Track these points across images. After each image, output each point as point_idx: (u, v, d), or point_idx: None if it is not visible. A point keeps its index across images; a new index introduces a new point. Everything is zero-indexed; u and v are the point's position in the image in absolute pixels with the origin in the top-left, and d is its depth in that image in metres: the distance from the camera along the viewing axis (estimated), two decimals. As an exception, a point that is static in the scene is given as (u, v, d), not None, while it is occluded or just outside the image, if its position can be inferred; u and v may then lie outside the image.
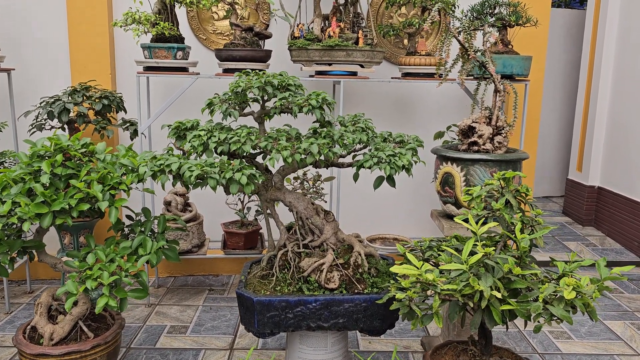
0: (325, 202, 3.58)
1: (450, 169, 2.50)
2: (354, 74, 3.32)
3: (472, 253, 1.92)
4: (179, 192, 3.40)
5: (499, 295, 1.73)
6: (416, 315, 1.93)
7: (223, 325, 3.13)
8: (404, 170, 2.15)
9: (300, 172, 3.49)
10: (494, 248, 1.82)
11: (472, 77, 3.27)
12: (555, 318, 1.72)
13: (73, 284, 2.10)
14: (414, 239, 3.80)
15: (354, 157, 2.44)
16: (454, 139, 3.63)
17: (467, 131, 2.57)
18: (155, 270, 3.71)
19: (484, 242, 1.93)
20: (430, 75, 3.33)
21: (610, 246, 4.45)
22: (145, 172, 2.11)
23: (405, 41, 3.84)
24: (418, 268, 1.86)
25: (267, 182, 2.40)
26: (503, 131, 2.52)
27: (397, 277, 2.09)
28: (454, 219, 2.02)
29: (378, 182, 2.19)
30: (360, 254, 2.36)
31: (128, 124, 3.31)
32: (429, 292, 1.95)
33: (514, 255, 1.90)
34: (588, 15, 5.02)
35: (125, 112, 3.35)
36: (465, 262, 1.84)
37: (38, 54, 3.58)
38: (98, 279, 2.09)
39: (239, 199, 3.44)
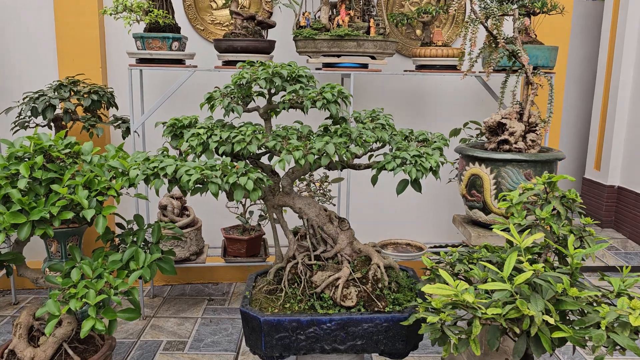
0: (334, 205, 3.32)
1: (478, 170, 2.24)
2: (365, 66, 3.06)
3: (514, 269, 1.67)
4: (175, 195, 3.14)
5: (551, 321, 1.48)
6: (449, 340, 1.67)
7: (224, 340, 2.87)
8: (430, 172, 1.90)
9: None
10: (543, 265, 1.56)
11: (491, 69, 3.00)
12: (618, 347, 1.47)
13: (55, 304, 1.84)
14: (428, 244, 3.55)
15: (370, 157, 2.18)
16: (472, 136, 3.37)
17: (496, 128, 2.31)
18: (150, 279, 3.45)
19: (529, 256, 1.67)
20: (447, 68, 3.07)
21: (633, 249, 4.20)
22: (137, 175, 1.84)
23: (418, 31, 3.58)
24: (453, 287, 1.60)
25: (274, 186, 2.14)
26: (537, 128, 2.26)
27: (425, 296, 1.84)
28: (493, 229, 1.76)
29: (402, 186, 1.93)
30: (379, 267, 2.10)
31: (120, 122, 3.04)
32: (459, 312, 1.70)
33: (564, 272, 1.65)
34: (607, 6, 4.76)
35: (117, 108, 3.08)
36: (507, 280, 1.59)
37: (22, 46, 3.31)
38: (83, 299, 1.82)
39: (241, 202, 3.18)
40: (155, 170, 1.83)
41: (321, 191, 3.19)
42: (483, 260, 1.95)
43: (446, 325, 1.67)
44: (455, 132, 3.25)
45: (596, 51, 5.27)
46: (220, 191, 1.75)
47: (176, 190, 3.14)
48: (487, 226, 2.31)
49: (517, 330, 1.57)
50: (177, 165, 1.80)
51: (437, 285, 1.60)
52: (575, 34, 5.55)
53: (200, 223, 3.20)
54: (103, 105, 2.97)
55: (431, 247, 3.53)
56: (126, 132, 3.03)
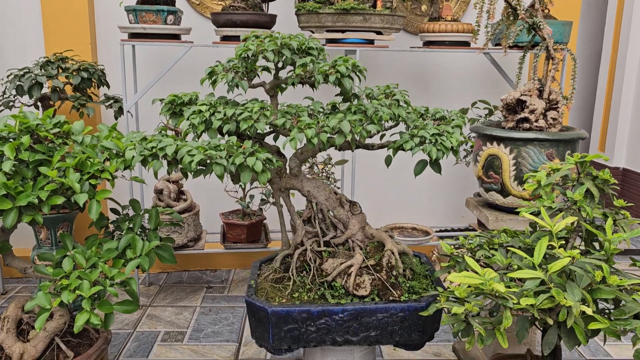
0: (338, 188, 3.19)
1: (496, 150, 2.11)
2: (371, 42, 2.90)
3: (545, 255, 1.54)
4: (172, 178, 2.98)
5: (589, 312, 1.36)
6: (473, 331, 1.56)
7: (225, 330, 2.74)
8: (451, 152, 1.76)
9: (309, 155, 3.10)
10: (579, 251, 1.44)
11: (509, 44, 2.86)
12: (661, 340, 1.35)
13: (45, 297, 1.69)
14: (434, 228, 3.43)
15: (382, 137, 2.04)
16: (480, 116, 3.24)
17: (515, 106, 2.17)
18: (145, 266, 3.31)
19: (561, 242, 1.55)
20: (457, 44, 2.92)
21: (640, 232, 4.11)
22: (134, 157, 1.69)
23: (424, 7, 3.42)
24: (481, 276, 1.48)
25: (281, 168, 1.99)
26: (558, 106, 2.13)
27: (444, 284, 1.72)
28: (520, 212, 1.64)
29: (420, 167, 1.80)
30: (393, 253, 1.98)
31: (112, 101, 2.88)
32: (482, 301, 1.58)
33: (599, 258, 1.53)
34: (613, -18, 4.62)
35: (108, 87, 2.90)
36: (539, 267, 1.47)
37: (5, 19, 3.11)
38: (77, 291, 1.68)
39: (240, 185, 3.03)
40: (154, 150, 1.68)
41: (325, 174, 3.05)
42: (508, 246, 1.83)
43: (471, 315, 1.56)
44: (463, 112, 3.12)
45: (601, 28, 5.13)
46: (225, 174, 1.61)
47: (172, 174, 2.99)
48: (505, 209, 2.19)
49: (550, 321, 1.46)
50: (177, 145, 1.65)
51: (464, 273, 1.48)
52: (581, 10, 5.40)
53: (198, 208, 3.06)
54: (93, 84, 2.80)
55: (437, 232, 3.42)
56: (119, 112, 2.87)
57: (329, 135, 1.67)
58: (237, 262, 3.53)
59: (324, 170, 3.08)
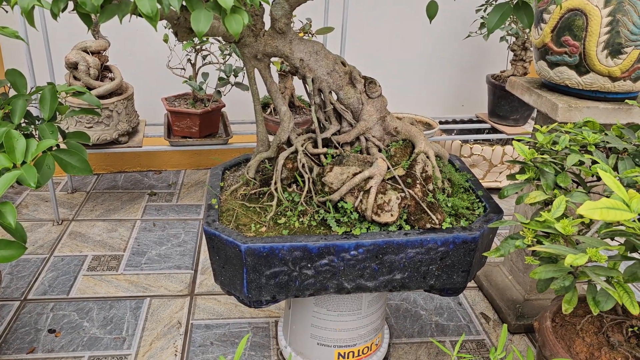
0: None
1: (582, 2, 1.40)
2: None
3: None
4: (91, 47, 2.13)
5: None
6: (574, 286, 0.95)
7: (175, 252, 2.09)
8: None
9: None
10: None
11: None
12: None
13: None
14: (436, 119, 2.78)
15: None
16: None
17: None
18: (66, 168, 2.54)
19: None
20: None
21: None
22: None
23: None
24: (628, 205, 0.84)
25: (255, 20, 1.22)
26: None
27: (494, 199, 1.08)
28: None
29: (501, 15, 1.07)
30: (429, 157, 1.31)
31: None
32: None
33: None
34: None
35: None
36: None
37: None
38: None
39: (189, 59, 2.22)
40: (19, -33, 0.87)
41: (304, 45, 2.27)
42: (607, 148, 1.20)
43: (589, 266, 0.94)
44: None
45: None
46: (158, 12, 0.84)
47: (90, 42, 2.13)
48: (577, 93, 1.52)
49: None
50: (64, -45, 0.85)
51: (606, 202, 0.83)
52: None
53: (131, 90, 2.25)
54: None
55: (439, 124, 2.77)
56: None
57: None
58: (188, 162, 2.80)
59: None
